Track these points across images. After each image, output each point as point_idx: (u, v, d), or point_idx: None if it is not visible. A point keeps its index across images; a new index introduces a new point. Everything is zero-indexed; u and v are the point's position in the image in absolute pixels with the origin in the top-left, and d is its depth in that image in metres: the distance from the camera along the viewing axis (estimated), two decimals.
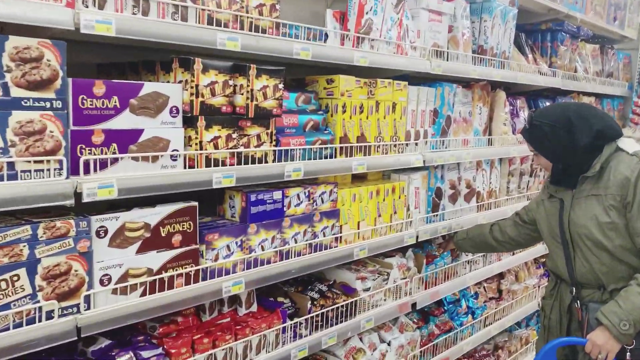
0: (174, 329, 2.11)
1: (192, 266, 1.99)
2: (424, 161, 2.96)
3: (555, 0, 4.08)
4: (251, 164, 2.11)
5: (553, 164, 2.44)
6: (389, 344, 3.03)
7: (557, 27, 4.23)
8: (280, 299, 2.55)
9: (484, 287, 3.96)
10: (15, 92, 1.51)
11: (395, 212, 2.92)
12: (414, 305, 3.08)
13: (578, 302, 2.46)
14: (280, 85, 2.14)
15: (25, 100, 1.53)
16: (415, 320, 3.39)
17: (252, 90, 2.04)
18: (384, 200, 2.83)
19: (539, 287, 4.43)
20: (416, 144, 2.97)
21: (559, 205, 2.48)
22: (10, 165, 1.51)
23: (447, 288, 3.33)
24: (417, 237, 3.02)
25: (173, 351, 2.00)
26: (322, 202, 2.50)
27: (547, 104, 4.38)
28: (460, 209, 3.41)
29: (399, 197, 2.93)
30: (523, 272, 4.31)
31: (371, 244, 2.74)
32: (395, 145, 2.82)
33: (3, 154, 1.50)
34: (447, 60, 3.08)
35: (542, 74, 4.04)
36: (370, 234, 2.77)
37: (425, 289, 3.19)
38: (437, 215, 3.22)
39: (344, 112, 2.52)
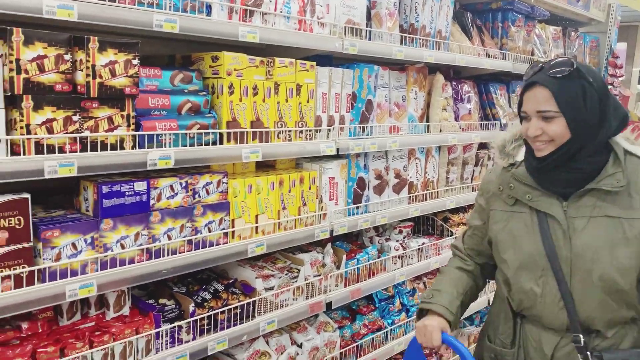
0: (14, 335, 1.87)
1: (23, 267, 1.74)
2: (337, 149, 2.70)
3: None
4: (101, 151, 1.86)
5: (571, 136, 1.69)
6: (300, 346, 2.80)
7: (507, 6, 3.95)
8: (162, 301, 2.31)
9: (424, 283, 3.73)
10: None
11: (304, 205, 2.67)
12: (329, 304, 2.85)
13: (589, 353, 1.75)
14: (135, 61, 1.88)
15: None
16: (338, 319, 3.16)
17: (93, 66, 1.78)
18: (289, 191, 2.59)
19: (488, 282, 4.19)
20: (329, 131, 2.72)
21: (541, 222, 1.78)
22: None
23: (371, 285, 3.09)
24: (332, 230, 2.78)
25: None
26: (208, 193, 2.26)
27: (500, 89, 4.13)
28: (388, 200, 3.16)
29: (309, 188, 2.68)
30: None
31: (272, 239, 2.49)
32: (301, 132, 2.57)
33: None
34: (367, 39, 2.82)
35: (490, 57, 3.77)
36: (272, 229, 2.53)
37: (345, 286, 2.96)
38: (359, 207, 2.98)
39: (231, 93, 2.26)
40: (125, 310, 2.17)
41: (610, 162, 1.74)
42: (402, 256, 3.33)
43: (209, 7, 2.14)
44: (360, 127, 2.88)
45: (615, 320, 1.76)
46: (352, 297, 2.99)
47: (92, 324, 2.06)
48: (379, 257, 3.18)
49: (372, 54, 2.80)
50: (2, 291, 1.70)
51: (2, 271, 1.70)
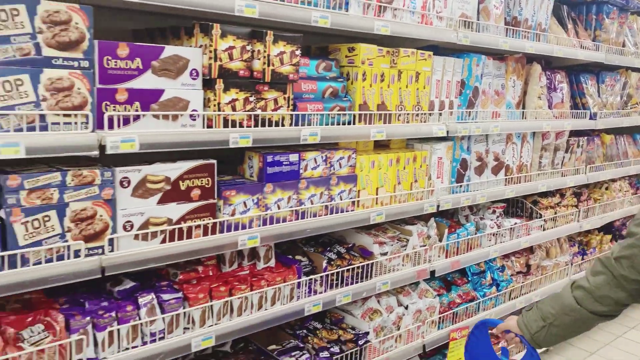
0: (194, 276, 2.29)
1: (209, 219, 2.14)
2: (447, 132, 2.99)
3: None
4: (268, 126, 2.23)
5: None
6: (406, 308, 3.12)
7: None
8: (298, 257, 2.68)
9: (512, 261, 3.97)
10: (47, 51, 1.69)
11: (415, 181, 2.98)
12: (432, 272, 3.16)
13: None
14: (298, 52, 2.24)
15: (56, 59, 1.70)
16: (436, 288, 3.46)
17: (268, 55, 2.14)
18: (404, 168, 2.90)
19: (571, 264, 4.38)
20: (440, 114, 3.00)
21: None
22: (42, 117, 1.69)
23: (469, 258, 3.38)
24: (438, 206, 3.08)
25: (191, 296, 2.17)
26: (340, 166, 2.60)
27: (590, 79, 4.27)
28: (487, 181, 3.42)
29: (420, 166, 2.98)
30: (555, 248, 4.27)
31: (389, 210, 2.82)
32: (417, 115, 2.87)
33: (35, 106, 1.68)
34: (477, 31, 3.08)
35: (584, 48, 3.93)
36: (388, 201, 2.85)
37: (446, 257, 3.25)
38: (461, 185, 3.26)
39: (364, 80, 2.59)
40: (272, 263, 2.56)
41: None
42: (496, 234, 3.59)
43: (347, 4, 2.47)
44: (467, 111, 3.15)
45: None
46: (452, 267, 3.28)
47: (247, 272, 2.46)
48: (475, 233, 3.45)
49: (481, 45, 3.06)
50: (194, 237, 2.11)
51: (194, 221, 2.11)
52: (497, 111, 3.39)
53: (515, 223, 3.73)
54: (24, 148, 1.63)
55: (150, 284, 2.20)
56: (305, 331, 2.87)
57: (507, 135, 3.54)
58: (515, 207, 4.10)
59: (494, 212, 3.73)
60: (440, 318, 3.30)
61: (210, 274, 2.35)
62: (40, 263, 1.75)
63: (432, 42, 2.90)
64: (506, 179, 3.56)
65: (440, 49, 3.14)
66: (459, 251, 3.33)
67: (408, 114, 2.82)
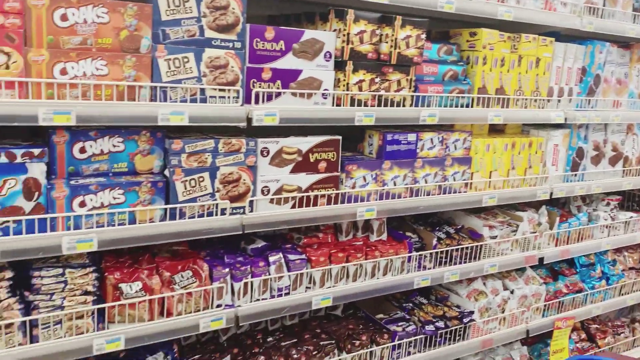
0: (315, 241, 2.50)
1: (333, 190, 2.34)
2: (565, 119, 2.97)
3: None
4: (390, 106, 2.38)
5: None
6: (512, 292, 3.16)
7: None
8: (408, 234, 2.82)
9: (625, 256, 3.84)
10: (208, 33, 1.94)
11: (530, 167, 3.00)
12: (541, 259, 3.16)
13: None
14: (423, 36, 2.36)
15: (215, 40, 1.95)
16: (542, 276, 3.45)
17: (396, 39, 2.28)
18: (519, 153, 2.93)
19: None
20: (559, 101, 2.99)
21: None
22: (202, 91, 1.95)
23: (579, 248, 3.34)
24: (552, 193, 3.07)
25: (314, 258, 2.38)
26: (455, 148, 2.70)
27: None
28: (603, 171, 3.35)
29: (535, 153, 3.00)
30: None
31: (502, 194, 2.87)
32: (535, 100, 2.89)
33: (197, 81, 1.94)
34: (602, 17, 3.01)
35: None
36: (501, 185, 2.90)
37: (556, 246, 3.24)
38: (575, 174, 3.22)
39: (484, 64, 2.65)
40: (384, 237, 2.71)
41: None
42: (609, 226, 3.50)
43: None
44: (586, 99, 3.10)
45: None
46: (562, 256, 3.26)
47: (361, 242, 2.63)
48: (588, 224, 3.39)
49: (606, 32, 2.99)
50: (319, 205, 2.31)
51: (320, 191, 2.31)
52: (618, 100, 3.29)
53: (631, 217, 3.61)
54: (188, 117, 1.90)
55: (277, 245, 2.44)
56: (411, 304, 3.01)
57: (628, 126, 3.43)
58: (631, 201, 3.95)
59: (608, 204, 3.63)
60: (545, 306, 3.30)
61: (329, 240, 2.55)
62: (193, 217, 2.03)
63: (554, 29, 2.89)
64: (624, 170, 3.45)
65: (561, 35, 3.11)
66: (569, 241, 3.30)
67: (526, 99, 2.84)
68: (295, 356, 2.47)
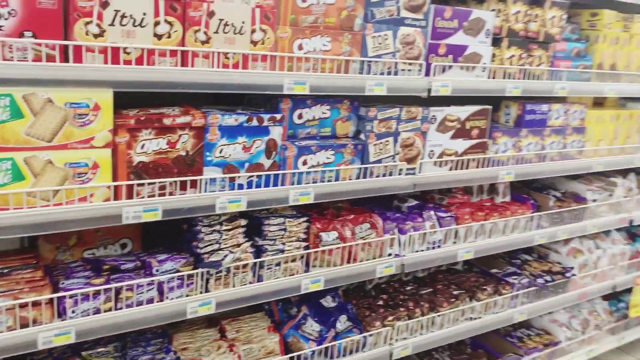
0: (456, 201, 2.79)
1: (483, 154, 2.62)
2: None
3: None
4: (531, 79, 2.65)
5: None
6: (604, 251, 3.48)
7: None
8: (525, 196, 3.12)
9: None
10: (403, 13, 2.19)
11: (628, 137, 3.29)
12: (631, 221, 3.48)
13: None
14: (564, 16, 2.61)
15: (407, 19, 2.20)
16: (624, 237, 3.77)
17: (544, 19, 2.54)
18: (621, 124, 3.21)
19: None
20: None
21: None
22: (395, 64, 2.21)
23: None
24: None
25: (459, 216, 2.68)
26: (574, 119, 2.97)
27: None
28: None
29: (634, 124, 3.28)
30: None
31: (607, 162, 3.17)
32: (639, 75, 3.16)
33: (392, 56, 2.20)
34: None
35: None
36: (606, 153, 3.19)
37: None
38: None
39: (604, 42, 2.91)
40: (507, 198, 3.01)
41: None
42: None
43: None
44: None
45: None
46: None
47: (489, 204, 2.93)
48: None
49: None
50: (470, 168, 2.59)
51: (472, 155, 2.59)
52: None
53: None
54: (386, 88, 2.16)
55: (426, 205, 2.72)
56: (519, 261, 3.32)
57: None
58: None
59: None
60: (628, 264, 3.63)
61: (466, 201, 2.84)
62: (379, 176, 2.31)
63: None
64: None
65: None
66: None
67: (634, 74, 3.12)
68: (435, 302, 2.78)
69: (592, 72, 2.90)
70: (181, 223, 2.01)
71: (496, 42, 2.50)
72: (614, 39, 2.95)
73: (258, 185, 1.99)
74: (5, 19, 1.49)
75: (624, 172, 3.60)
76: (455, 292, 2.88)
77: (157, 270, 1.91)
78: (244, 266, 2.05)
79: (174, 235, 2.07)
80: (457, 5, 2.57)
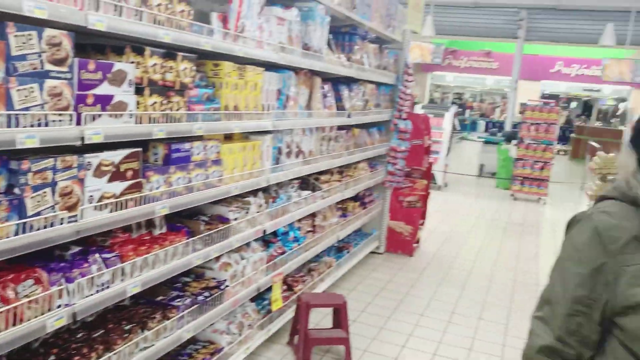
0: (118, 241, 2.90)
1: (139, 193, 2.82)
2: (273, 126, 4.08)
3: (352, 10, 5.51)
4: (173, 123, 2.99)
5: None
6: (247, 260, 4.12)
7: (352, 31, 5.69)
8: (179, 225, 3.45)
9: (303, 223, 5.29)
10: (47, 66, 2.21)
11: (254, 163, 3.99)
12: (264, 231, 4.22)
13: None
14: (194, 68, 3.05)
15: (52, 72, 2.24)
16: (260, 246, 4.53)
17: (178, 70, 2.91)
18: (247, 154, 3.89)
19: (338, 224, 5.94)
20: (268, 114, 4.07)
21: None
22: (45, 116, 2.21)
23: (284, 220, 4.54)
24: (268, 181, 4.15)
25: (123, 254, 2.81)
26: (212, 153, 3.46)
27: (344, 88, 5.84)
28: (293, 162, 4.63)
29: (255, 153, 4.01)
30: (329, 213, 5.77)
31: (242, 185, 3.78)
32: (256, 114, 3.89)
33: (41, 108, 2.19)
34: (290, 54, 4.23)
35: (344, 66, 5.45)
36: (239, 178, 3.81)
37: (271, 220, 4.35)
38: (278, 167, 4.39)
39: (226, 88, 3.49)
40: (164, 229, 3.28)
41: None
42: (297, 202, 4.83)
43: (212, 32, 3.33)
44: (282, 112, 4.29)
45: None
46: (275, 227, 4.40)
47: (149, 237, 3.14)
48: (286, 202, 4.63)
49: (291, 64, 4.22)
50: (129, 207, 2.76)
51: (129, 195, 2.75)
52: (296, 112, 4.61)
53: (309, 194, 5.05)
54: (39, 140, 2.15)
55: (90, 249, 2.75)
56: (180, 284, 3.64)
57: (302, 129, 4.80)
58: (306, 183, 5.41)
59: (293, 186, 4.96)
60: (266, 267, 4.39)
61: (128, 238, 2.99)
62: (39, 229, 2.25)
63: (263, 61, 3.94)
64: (304, 160, 4.82)
65: (268, 66, 4.19)
66: (277, 215, 4.46)
67: (250, 113, 3.82)
68: (110, 341, 2.83)
69: (221, 113, 3.44)
70: None
71: (139, 91, 2.75)
72: (233, 85, 3.57)
73: None
74: None
75: (255, 192, 4.34)
76: (127, 327, 2.99)
77: None
78: None
79: None
80: (98, 58, 2.71)
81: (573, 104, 17.70)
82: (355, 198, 6.72)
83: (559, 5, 16.68)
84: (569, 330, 1.44)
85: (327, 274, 5.89)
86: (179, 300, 3.40)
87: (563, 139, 18.06)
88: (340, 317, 4.75)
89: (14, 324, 2.19)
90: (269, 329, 4.54)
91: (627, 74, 14.90)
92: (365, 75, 6.10)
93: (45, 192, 2.26)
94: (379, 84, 6.86)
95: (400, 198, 7.73)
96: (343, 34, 5.71)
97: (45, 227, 2.28)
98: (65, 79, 2.30)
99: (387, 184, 7.47)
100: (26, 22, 2.12)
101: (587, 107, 18.01)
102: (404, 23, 7.58)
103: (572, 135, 11.45)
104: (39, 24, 2.18)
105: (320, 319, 5.28)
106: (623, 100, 18.35)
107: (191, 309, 3.37)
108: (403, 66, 7.52)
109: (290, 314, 4.90)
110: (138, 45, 2.73)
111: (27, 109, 2.13)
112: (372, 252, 7.56)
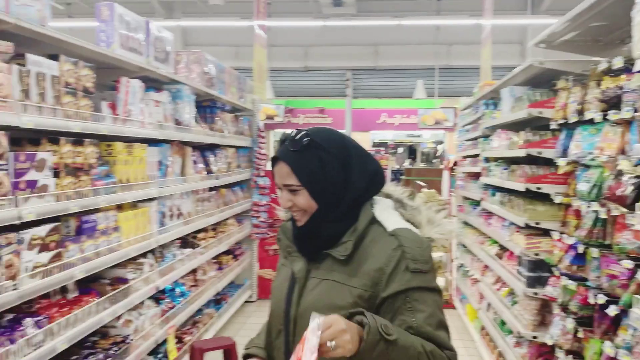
0: (43, 306, 3.28)
1: (60, 261, 3.26)
2: (158, 193, 4.67)
3: (211, 87, 6.34)
4: (83, 198, 3.50)
5: (318, 206, 1.77)
6: (145, 316, 4.57)
7: (212, 104, 6.52)
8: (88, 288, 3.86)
9: (186, 279, 5.81)
10: None
11: (145, 227, 4.53)
12: (157, 288, 4.71)
13: None
14: (96, 150, 3.61)
15: None
16: (152, 302, 4.98)
17: (85, 154, 3.46)
18: (137, 220, 4.43)
19: (217, 277, 6.53)
20: (153, 183, 4.66)
21: (292, 279, 1.83)
22: None
23: (172, 277, 5.07)
24: (158, 242, 4.69)
25: (51, 316, 3.20)
26: (113, 221, 3.97)
27: (211, 155, 6.58)
28: (175, 224, 5.21)
29: (145, 218, 4.56)
30: (208, 267, 6.35)
31: (136, 248, 4.30)
32: (144, 184, 4.46)
33: None
34: (166, 129, 4.89)
35: (208, 135, 6.22)
36: (134, 242, 4.32)
37: (161, 277, 4.86)
38: (163, 228, 4.94)
39: (118, 164, 4.06)
40: (77, 293, 3.69)
41: (350, 230, 1.75)
42: (181, 259, 5.37)
43: (103, 118, 3.92)
44: (163, 180, 4.90)
45: None
46: (165, 283, 4.90)
47: (66, 300, 3.54)
48: (172, 260, 5.16)
49: (168, 138, 4.88)
50: (52, 275, 3.19)
51: (54, 264, 3.19)
52: (174, 179, 5.24)
53: (190, 251, 5.62)
54: None
55: (19, 316, 3.10)
56: (90, 344, 3.99)
57: (180, 194, 5.43)
58: (183, 242, 5.97)
59: (175, 246, 5.51)
60: (161, 321, 4.85)
61: (48, 303, 3.37)
62: None
63: (149, 138, 4.56)
64: (185, 221, 5.42)
65: (147, 141, 4.79)
66: (166, 273, 4.98)
67: (140, 183, 4.39)
68: None
69: (117, 186, 3.99)
70: None
71: (56, 174, 3.24)
72: (124, 161, 4.14)
73: None
74: None
75: (144, 254, 4.83)
76: None
77: None
78: None
79: None
80: (15, 149, 3.18)
81: (400, 149, 20.20)
82: (227, 252, 7.36)
83: (377, 66, 19.31)
84: None
85: (211, 324, 6.40)
86: (93, 356, 3.78)
87: (396, 180, 20.56)
88: (231, 357, 5.32)
89: None
90: None
91: (439, 121, 17.62)
92: (226, 141, 6.92)
93: None
94: (238, 147, 7.70)
95: (266, 247, 8.52)
96: (204, 107, 6.50)
97: None
98: (4, 170, 2.77)
99: (254, 236, 8.24)
100: None
101: (412, 151, 20.63)
102: (251, 93, 8.60)
103: (402, 177, 13.49)
104: None
105: None
106: (440, 142, 21.31)
107: None
108: (256, 130, 8.49)
109: None
110: (53, 137, 3.25)
111: None
112: (247, 301, 8.19)
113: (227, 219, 7.28)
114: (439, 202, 7.92)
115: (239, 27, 17.60)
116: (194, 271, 5.99)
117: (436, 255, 8.46)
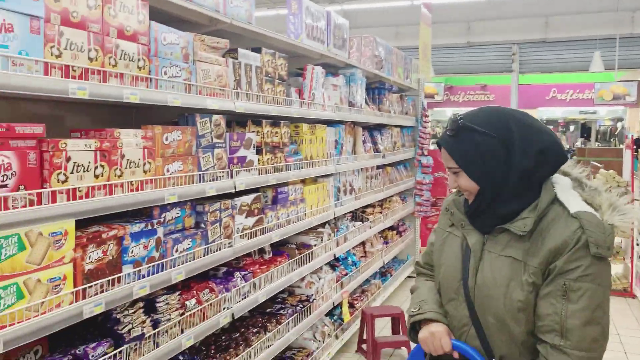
0: (246, 262, 3.88)
1: (261, 225, 3.82)
2: (335, 170, 5.11)
3: (381, 70, 6.64)
4: (278, 172, 4.02)
5: (480, 187, 1.82)
6: (324, 279, 5.08)
7: (380, 85, 6.82)
8: (280, 251, 4.43)
9: (357, 250, 6.25)
10: (214, 140, 3.25)
11: (324, 201, 5.01)
12: (334, 255, 5.19)
13: None
14: (288, 131, 4.10)
15: (217, 144, 3.28)
16: (329, 268, 5.49)
17: (280, 134, 3.97)
18: (319, 193, 4.91)
19: (382, 251, 6.90)
20: (332, 160, 5.11)
21: (466, 249, 1.91)
22: (215, 174, 3.24)
23: (345, 246, 5.51)
24: (335, 214, 5.15)
25: (254, 272, 3.78)
26: (299, 193, 4.48)
27: (378, 134, 6.91)
28: (348, 198, 5.64)
29: (325, 192, 5.03)
30: (375, 240, 6.73)
31: (319, 218, 4.78)
32: (324, 161, 4.93)
33: (214, 167, 3.22)
34: (344, 111, 5.31)
35: (377, 116, 6.54)
36: (317, 212, 4.81)
37: (337, 246, 5.33)
38: (338, 201, 5.39)
39: (304, 143, 4.55)
40: (271, 255, 4.26)
41: (531, 207, 1.78)
42: (353, 231, 5.81)
43: (291, 103, 4.41)
44: (339, 158, 5.34)
45: (519, 352, 1.80)
46: (340, 251, 5.37)
47: (263, 260, 4.12)
48: (346, 232, 5.61)
49: (344, 119, 5.29)
50: (255, 237, 3.75)
51: (257, 227, 3.76)
52: (346, 157, 5.66)
53: (360, 224, 6.04)
54: (215, 189, 3.17)
55: (232, 270, 3.72)
56: (280, 299, 4.58)
57: (352, 170, 5.84)
58: (353, 216, 6.41)
59: (347, 219, 5.96)
60: (336, 286, 5.34)
61: (251, 261, 3.97)
62: (214, 251, 3.25)
63: (328, 120, 5.00)
64: (355, 196, 5.84)
65: (328, 122, 5.25)
66: (341, 243, 5.44)
67: (320, 160, 4.86)
68: (248, 339, 3.77)
69: (303, 162, 4.49)
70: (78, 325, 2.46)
71: (259, 151, 3.79)
72: (309, 140, 4.62)
73: (153, 272, 2.71)
74: (9, 179, 1.98)
75: (323, 224, 5.33)
76: (255, 330, 3.94)
77: (92, 356, 2.41)
78: (149, 336, 2.70)
79: (68, 333, 2.49)
80: (238, 130, 3.78)
81: (571, 128, 18.81)
82: (392, 228, 7.69)
83: (547, 38, 18.06)
84: None
85: (378, 294, 6.80)
86: (283, 310, 4.35)
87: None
88: (398, 324, 5.65)
89: (203, 320, 3.16)
90: (342, 338, 5.45)
91: (619, 95, 16.07)
92: (392, 121, 7.19)
93: (216, 226, 3.27)
94: (402, 127, 7.94)
95: (429, 225, 8.70)
96: (373, 89, 6.82)
97: (218, 250, 3.28)
98: (222, 147, 3.34)
99: (417, 214, 8.46)
100: (203, 112, 3.18)
101: (585, 129, 19.10)
102: (416, 72, 8.74)
103: (574, 157, 12.60)
104: (210, 113, 3.24)
105: (379, 330, 6.17)
106: (620, 119, 19.42)
107: (294, 316, 4.32)
108: (420, 109, 8.64)
109: (354, 327, 5.80)
110: (256, 119, 3.79)
111: (207, 169, 3.16)
112: (409, 277, 8.46)
113: (392, 196, 7.59)
114: (619, 183, 7.38)
115: (400, 7, 17.70)
116: (362, 243, 6.41)
117: (615, 240, 7.90)
